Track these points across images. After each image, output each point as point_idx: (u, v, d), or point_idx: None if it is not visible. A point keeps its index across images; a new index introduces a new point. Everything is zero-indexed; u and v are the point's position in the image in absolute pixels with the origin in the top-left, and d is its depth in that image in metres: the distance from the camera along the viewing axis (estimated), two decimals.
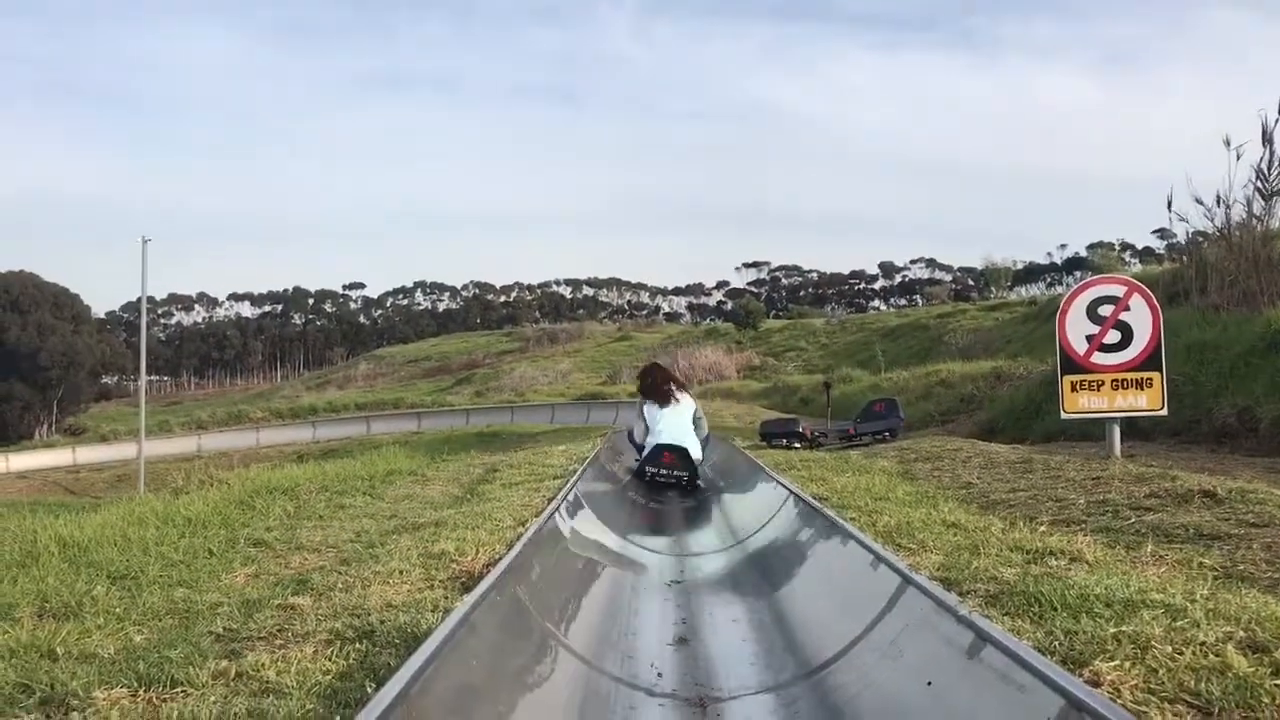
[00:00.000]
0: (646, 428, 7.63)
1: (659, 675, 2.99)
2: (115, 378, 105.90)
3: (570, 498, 5.17)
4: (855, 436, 11.90)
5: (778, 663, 3.12)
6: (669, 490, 7.26)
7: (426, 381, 67.18)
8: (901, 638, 2.65)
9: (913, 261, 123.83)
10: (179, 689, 2.54)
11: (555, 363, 57.99)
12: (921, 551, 3.74)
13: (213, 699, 2.42)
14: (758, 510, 5.80)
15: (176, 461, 26.32)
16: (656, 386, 7.82)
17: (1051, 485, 5.75)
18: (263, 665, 2.67)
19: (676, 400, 7.75)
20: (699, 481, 7.43)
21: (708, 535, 5.97)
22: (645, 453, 7.48)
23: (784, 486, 5.71)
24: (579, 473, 6.58)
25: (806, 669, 2.94)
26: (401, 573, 3.82)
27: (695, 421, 7.77)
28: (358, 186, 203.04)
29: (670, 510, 6.82)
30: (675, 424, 7.55)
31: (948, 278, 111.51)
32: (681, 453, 7.32)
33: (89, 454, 34.20)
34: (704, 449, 7.85)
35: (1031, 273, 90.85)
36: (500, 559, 3.36)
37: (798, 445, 11.30)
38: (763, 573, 4.40)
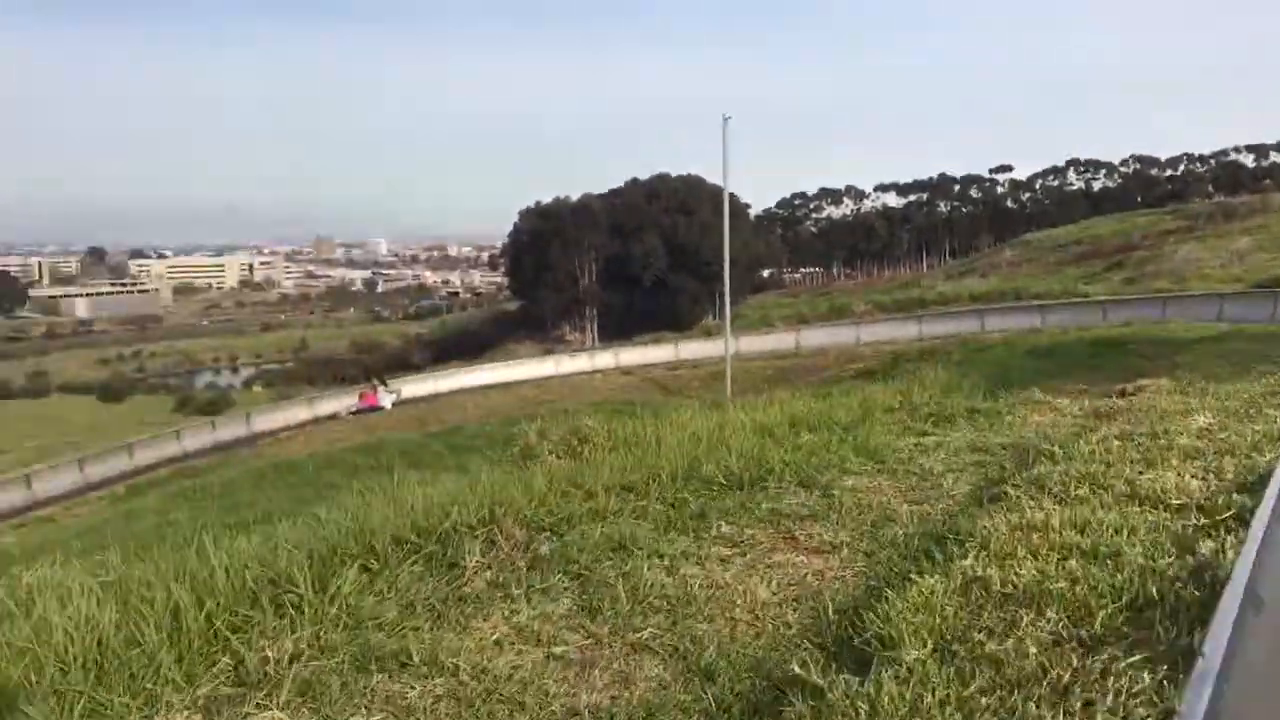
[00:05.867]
0: None
1: None
2: (770, 271, 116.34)
3: None
4: None
5: None
6: None
7: (1075, 268, 60.01)
8: None
9: None
10: None
11: (1230, 241, 45.73)
12: None
13: None
14: None
15: (768, 359, 25.48)
16: None
17: None
18: None
19: None
20: None
21: None
22: None
23: None
24: None
25: None
26: None
27: None
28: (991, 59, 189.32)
29: None
30: None
31: None
32: None
33: (693, 349, 35.14)
34: None
35: None
36: None
37: None
38: None
